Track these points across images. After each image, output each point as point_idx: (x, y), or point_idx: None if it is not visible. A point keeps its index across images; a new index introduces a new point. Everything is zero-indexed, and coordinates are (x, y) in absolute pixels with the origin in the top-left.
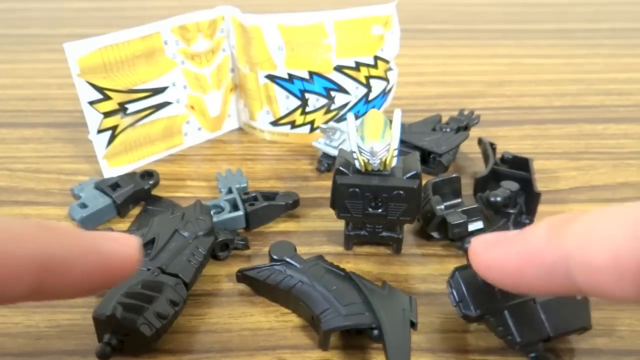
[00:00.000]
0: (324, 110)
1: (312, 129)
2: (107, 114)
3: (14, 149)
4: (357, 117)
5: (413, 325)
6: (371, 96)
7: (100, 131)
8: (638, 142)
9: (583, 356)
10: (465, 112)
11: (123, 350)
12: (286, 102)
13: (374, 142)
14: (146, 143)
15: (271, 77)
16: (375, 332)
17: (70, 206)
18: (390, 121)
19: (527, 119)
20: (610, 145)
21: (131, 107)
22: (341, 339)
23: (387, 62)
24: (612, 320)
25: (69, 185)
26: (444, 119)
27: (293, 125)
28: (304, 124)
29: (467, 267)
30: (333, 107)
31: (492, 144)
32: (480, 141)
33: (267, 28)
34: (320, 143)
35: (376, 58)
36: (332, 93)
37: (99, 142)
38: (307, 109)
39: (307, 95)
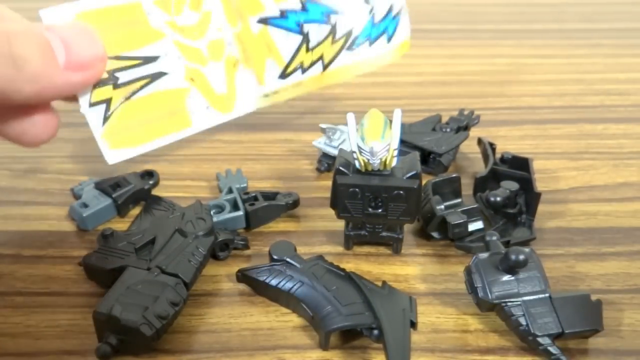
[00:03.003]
0: (329, 40)
1: (325, 66)
2: (96, 84)
3: (14, 148)
4: (369, 38)
5: (413, 325)
6: (377, 17)
7: (92, 104)
8: (638, 142)
9: (583, 356)
10: (465, 112)
11: (123, 350)
12: (287, 43)
13: (374, 142)
14: (148, 122)
15: (263, 20)
16: (375, 332)
17: (70, 206)
18: (390, 121)
19: (527, 119)
20: (610, 145)
21: (122, 76)
22: (341, 339)
23: None
24: (612, 320)
25: (69, 185)
26: (444, 119)
27: (303, 68)
28: (313, 63)
29: (488, 253)
30: (338, 34)
31: (491, 144)
32: (479, 141)
33: None
34: (320, 143)
35: None
36: (332, 18)
37: (93, 116)
38: (311, 44)
39: (306, 27)
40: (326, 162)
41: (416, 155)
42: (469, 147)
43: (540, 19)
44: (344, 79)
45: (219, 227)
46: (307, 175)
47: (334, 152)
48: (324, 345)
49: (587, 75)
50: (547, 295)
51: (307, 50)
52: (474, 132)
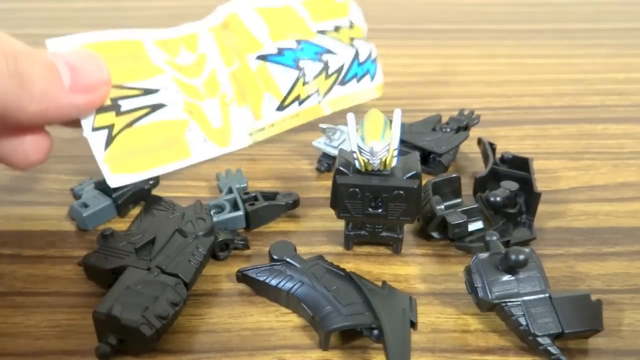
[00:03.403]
0: (323, 75)
1: (320, 98)
2: (99, 110)
3: None
4: (358, 79)
5: (413, 325)
6: (362, 57)
7: (95, 129)
8: (638, 142)
9: (583, 356)
10: (465, 112)
11: (123, 350)
12: (284, 77)
13: (374, 142)
14: (149, 150)
15: (262, 57)
16: (375, 332)
17: (70, 206)
18: (390, 121)
19: (527, 119)
20: (610, 145)
21: (124, 105)
22: (341, 339)
23: (361, 28)
24: (612, 320)
25: (69, 185)
26: (444, 119)
27: (299, 100)
28: (309, 95)
29: (488, 253)
30: (330, 70)
31: (491, 144)
32: (479, 141)
33: (242, 12)
34: (320, 143)
35: (350, 21)
36: (324, 57)
37: (96, 141)
38: (307, 78)
39: (301, 63)
40: (326, 162)
41: (416, 155)
42: (469, 147)
43: (540, 19)
44: (336, 109)
45: (219, 227)
46: (307, 175)
47: (334, 152)
48: (324, 345)
49: (587, 75)
50: (547, 295)
51: (304, 83)
52: (474, 132)
